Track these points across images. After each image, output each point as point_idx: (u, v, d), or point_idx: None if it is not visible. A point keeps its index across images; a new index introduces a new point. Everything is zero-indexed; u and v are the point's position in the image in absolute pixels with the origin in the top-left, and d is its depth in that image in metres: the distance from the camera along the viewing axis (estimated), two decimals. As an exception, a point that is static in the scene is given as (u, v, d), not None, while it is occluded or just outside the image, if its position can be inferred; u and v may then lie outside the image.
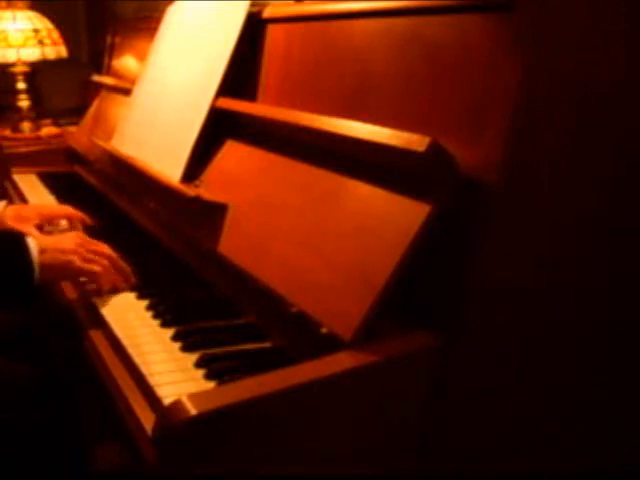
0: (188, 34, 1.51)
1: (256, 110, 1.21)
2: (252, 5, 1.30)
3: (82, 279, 1.18)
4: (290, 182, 1.06)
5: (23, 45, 2.52)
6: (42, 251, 1.11)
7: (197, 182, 1.27)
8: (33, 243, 1.11)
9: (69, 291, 1.22)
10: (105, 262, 1.16)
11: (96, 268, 1.14)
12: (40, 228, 1.44)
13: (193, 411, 0.70)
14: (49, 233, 1.44)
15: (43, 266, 1.09)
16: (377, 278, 0.81)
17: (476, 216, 0.80)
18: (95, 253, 1.17)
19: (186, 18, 1.56)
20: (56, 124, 2.76)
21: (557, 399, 0.89)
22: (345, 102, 1.04)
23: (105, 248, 1.20)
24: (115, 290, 1.15)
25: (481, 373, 0.83)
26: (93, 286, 1.16)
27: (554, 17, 0.78)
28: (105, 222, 1.54)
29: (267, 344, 0.97)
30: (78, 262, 1.13)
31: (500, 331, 0.83)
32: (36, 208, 1.54)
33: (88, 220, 1.51)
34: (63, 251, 1.14)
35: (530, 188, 0.81)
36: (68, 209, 1.54)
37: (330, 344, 0.81)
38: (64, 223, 1.52)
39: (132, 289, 1.17)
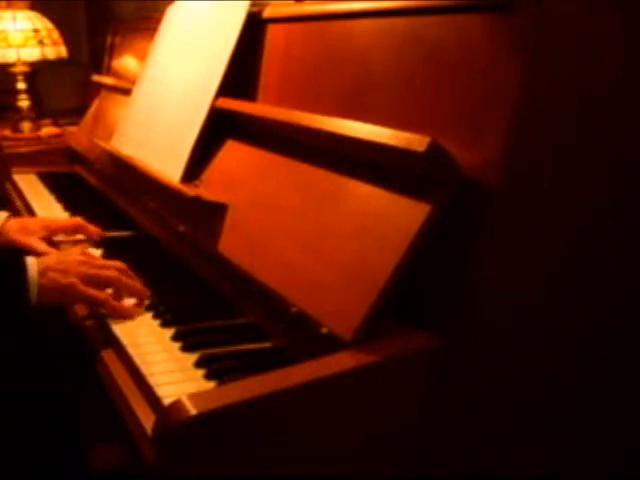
0: (188, 34, 1.51)
1: (256, 110, 1.21)
2: (252, 5, 1.30)
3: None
4: (290, 182, 1.06)
5: (23, 45, 2.52)
6: (43, 272, 1.03)
7: (197, 182, 1.27)
8: (33, 262, 1.04)
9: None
10: (113, 274, 1.08)
11: (99, 296, 1.06)
12: (49, 241, 1.38)
13: (193, 411, 0.70)
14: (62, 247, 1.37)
15: (42, 288, 1.02)
16: (377, 278, 0.81)
17: (476, 216, 0.80)
18: (101, 268, 1.09)
19: (186, 18, 1.56)
20: (56, 124, 2.76)
21: (557, 399, 0.89)
22: (345, 102, 1.04)
23: (113, 266, 1.12)
24: (124, 317, 1.06)
25: (481, 373, 0.83)
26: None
27: (554, 17, 0.78)
28: (105, 222, 1.54)
29: (267, 344, 0.97)
30: (80, 286, 1.05)
31: (500, 331, 0.83)
32: (41, 221, 1.48)
33: (99, 232, 1.42)
34: (65, 272, 1.05)
35: (530, 188, 0.81)
36: (75, 221, 1.45)
37: (330, 344, 0.81)
38: (80, 237, 1.42)
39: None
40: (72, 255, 1.12)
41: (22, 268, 1.03)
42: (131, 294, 1.09)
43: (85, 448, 1.23)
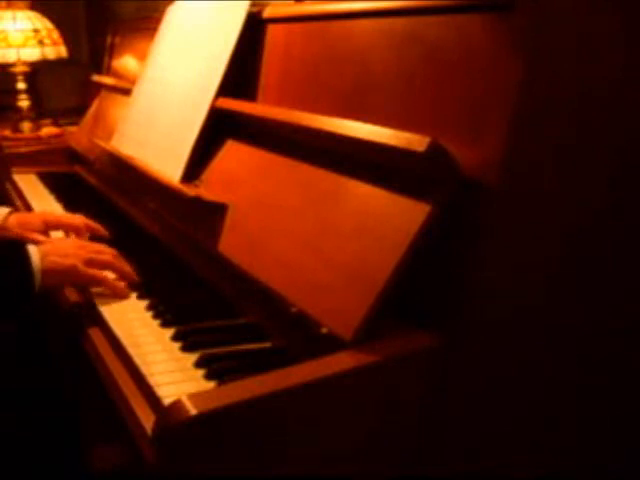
0: (188, 34, 1.51)
1: (256, 110, 1.21)
2: (252, 5, 1.30)
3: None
4: (290, 182, 1.06)
5: (23, 45, 2.52)
6: (43, 257, 1.09)
7: (197, 182, 1.27)
8: (34, 250, 1.10)
9: (69, 292, 1.22)
10: (108, 258, 1.16)
11: (99, 275, 1.14)
12: (48, 236, 1.39)
13: (193, 411, 0.70)
14: None
15: (45, 272, 1.08)
16: (377, 278, 0.81)
17: (476, 216, 0.80)
18: (97, 253, 1.16)
19: (186, 18, 1.56)
20: (56, 124, 2.75)
21: (557, 399, 0.89)
22: (345, 102, 1.04)
23: (106, 248, 1.20)
24: (117, 296, 1.14)
25: (481, 373, 0.83)
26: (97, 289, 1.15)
27: (554, 17, 0.78)
28: (105, 222, 1.53)
29: (267, 344, 0.97)
30: (81, 267, 1.12)
31: (500, 331, 0.83)
32: (41, 215, 1.48)
33: (101, 230, 1.41)
34: (65, 255, 1.12)
35: (530, 188, 0.81)
36: (75, 217, 1.44)
37: (330, 344, 0.81)
38: (73, 237, 1.42)
39: (133, 289, 1.16)
40: (68, 241, 1.23)
41: (25, 256, 1.08)
42: (123, 277, 1.17)
43: (85, 448, 1.23)
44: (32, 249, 1.10)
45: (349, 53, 1.04)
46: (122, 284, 1.15)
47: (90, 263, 1.14)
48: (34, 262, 1.08)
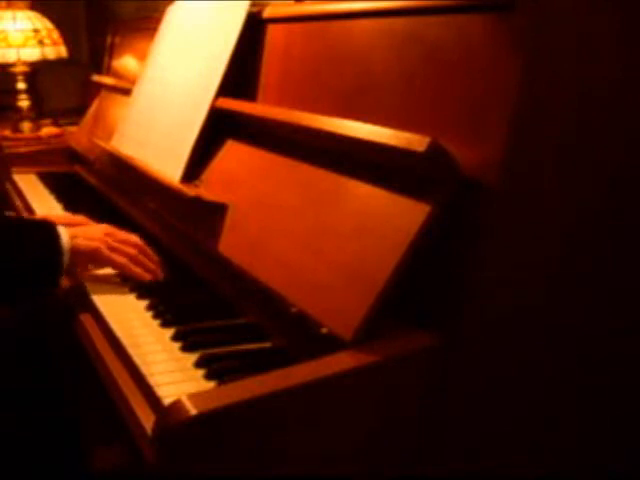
0: (188, 34, 1.51)
1: (256, 110, 1.21)
2: (252, 5, 1.30)
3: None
4: (290, 182, 1.06)
5: (23, 45, 2.51)
6: (72, 238, 1.14)
7: (197, 182, 1.27)
8: (64, 230, 1.14)
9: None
10: (132, 251, 1.19)
11: (121, 259, 1.17)
12: None
13: (193, 411, 0.70)
14: None
15: (73, 251, 1.12)
16: (377, 278, 0.81)
17: (477, 216, 0.80)
18: (123, 242, 1.20)
19: (186, 18, 1.56)
20: (56, 124, 2.75)
21: (557, 399, 0.89)
22: (345, 102, 1.04)
23: (133, 238, 1.23)
24: (138, 278, 1.18)
25: (481, 373, 0.83)
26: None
27: (554, 17, 0.78)
28: (105, 222, 1.53)
29: (267, 344, 0.97)
30: (105, 251, 1.16)
31: (500, 331, 0.83)
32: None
33: None
34: (91, 239, 1.17)
35: (531, 188, 0.81)
36: (76, 219, 1.41)
37: (330, 344, 0.81)
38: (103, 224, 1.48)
39: (132, 289, 1.17)
40: (97, 227, 1.26)
41: (56, 235, 1.13)
42: (147, 264, 1.20)
43: (85, 448, 1.23)
44: (62, 229, 1.14)
45: (349, 53, 1.04)
46: (141, 272, 1.19)
47: (114, 250, 1.18)
48: (64, 241, 1.12)
